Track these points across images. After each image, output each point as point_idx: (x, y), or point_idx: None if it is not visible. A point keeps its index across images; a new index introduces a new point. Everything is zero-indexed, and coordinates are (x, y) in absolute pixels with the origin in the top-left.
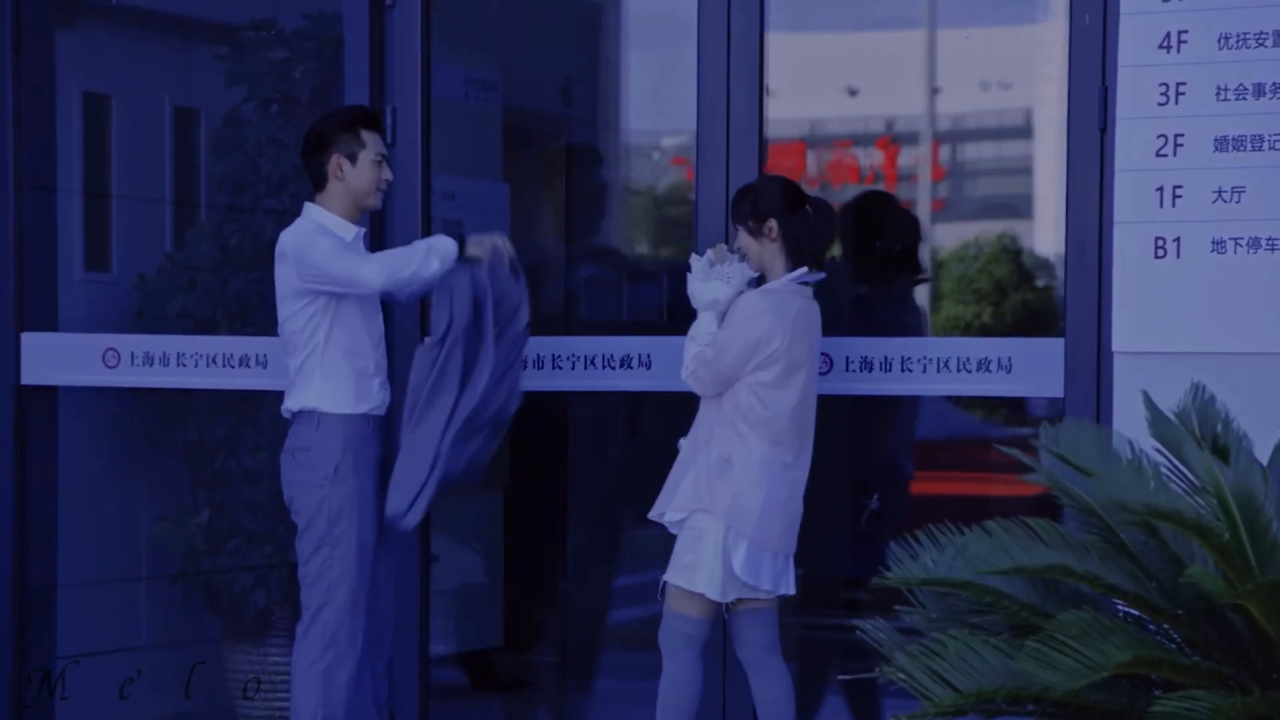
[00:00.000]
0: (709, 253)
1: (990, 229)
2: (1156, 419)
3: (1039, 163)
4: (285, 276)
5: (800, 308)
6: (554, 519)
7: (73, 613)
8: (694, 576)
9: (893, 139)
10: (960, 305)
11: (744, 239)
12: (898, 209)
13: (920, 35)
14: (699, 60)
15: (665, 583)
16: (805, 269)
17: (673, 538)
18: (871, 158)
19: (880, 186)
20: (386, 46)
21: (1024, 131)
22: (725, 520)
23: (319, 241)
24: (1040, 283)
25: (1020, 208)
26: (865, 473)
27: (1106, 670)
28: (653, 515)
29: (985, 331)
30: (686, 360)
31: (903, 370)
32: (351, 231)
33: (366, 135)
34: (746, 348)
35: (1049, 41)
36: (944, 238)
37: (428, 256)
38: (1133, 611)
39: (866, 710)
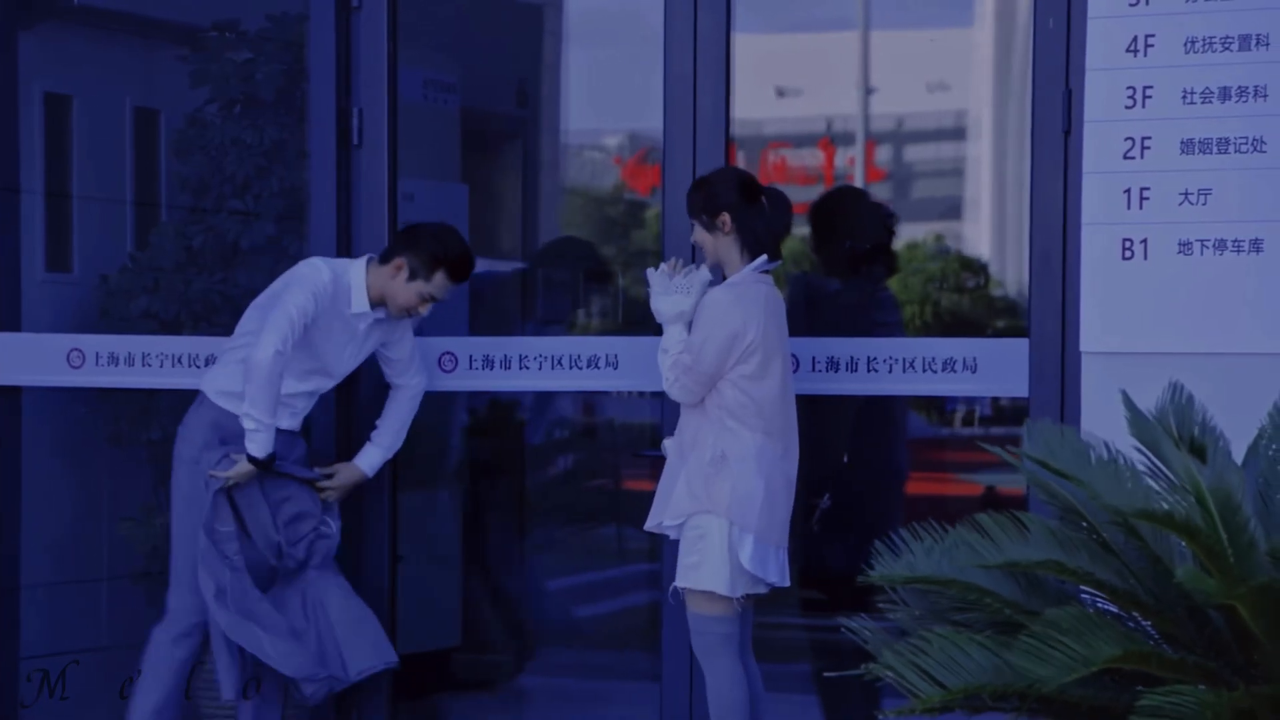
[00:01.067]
0: (663, 266)
1: (928, 230)
2: (1135, 419)
3: (976, 164)
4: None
5: (766, 295)
6: (512, 518)
7: (36, 614)
8: (700, 576)
9: (831, 140)
10: (905, 305)
11: (699, 233)
12: (869, 205)
13: (856, 36)
14: (665, 62)
15: (676, 589)
16: (764, 257)
17: (637, 538)
18: (814, 158)
19: (821, 187)
20: (353, 48)
21: (961, 133)
22: (728, 516)
23: (302, 294)
24: (974, 284)
25: (957, 209)
26: (861, 472)
27: (1096, 665)
28: (649, 526)
29: (925, 332)
30: (664, 373)
31: (868, 370)
32: (363, 308)
33: (439, 277)
34: (724, 344)
35: (984, 44)
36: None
37: (257, 416)
38: (1111, 608)
39: (842, 710)
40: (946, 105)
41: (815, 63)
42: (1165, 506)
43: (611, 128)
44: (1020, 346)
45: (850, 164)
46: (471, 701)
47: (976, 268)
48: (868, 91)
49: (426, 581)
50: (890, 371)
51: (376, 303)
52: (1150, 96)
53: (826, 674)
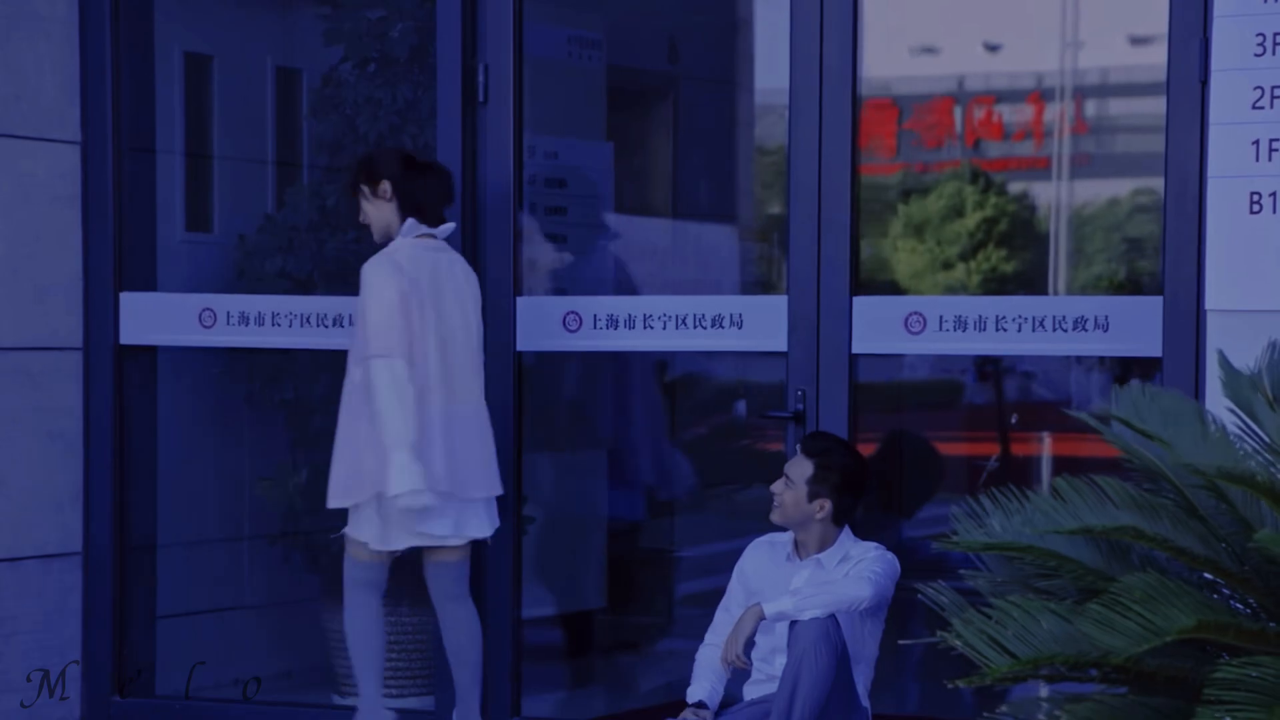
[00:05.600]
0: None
1: (1134, 185)
2: (1230, 378)
3: None
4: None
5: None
6: (657, 480)
7: (175, 571)
8: None
9: (1041, 94)
10: (1104, 262)
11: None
12: None
13: None
14: (791, 13)
15: None
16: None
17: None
18: (1019, 114)
19: (1030, 142)
20: (479, 4)
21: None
22: None
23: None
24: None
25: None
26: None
27: (1169, 635)
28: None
29: (1133, 288)
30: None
31: (997, 329)
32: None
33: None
34: None
35: None
36: (1086, 193)
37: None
38: (1207, 575)
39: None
40: (1152, 59)
41: (1019, 16)
42: (1248, 468)
43: (768, 85)
44: (1154, 304)
45: (1059, 118)
46: (617, 663)
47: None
48: (1075, 45)
49: (570, 544)
50: (1020, 331)
51: None
52: None
53: (901, 641)
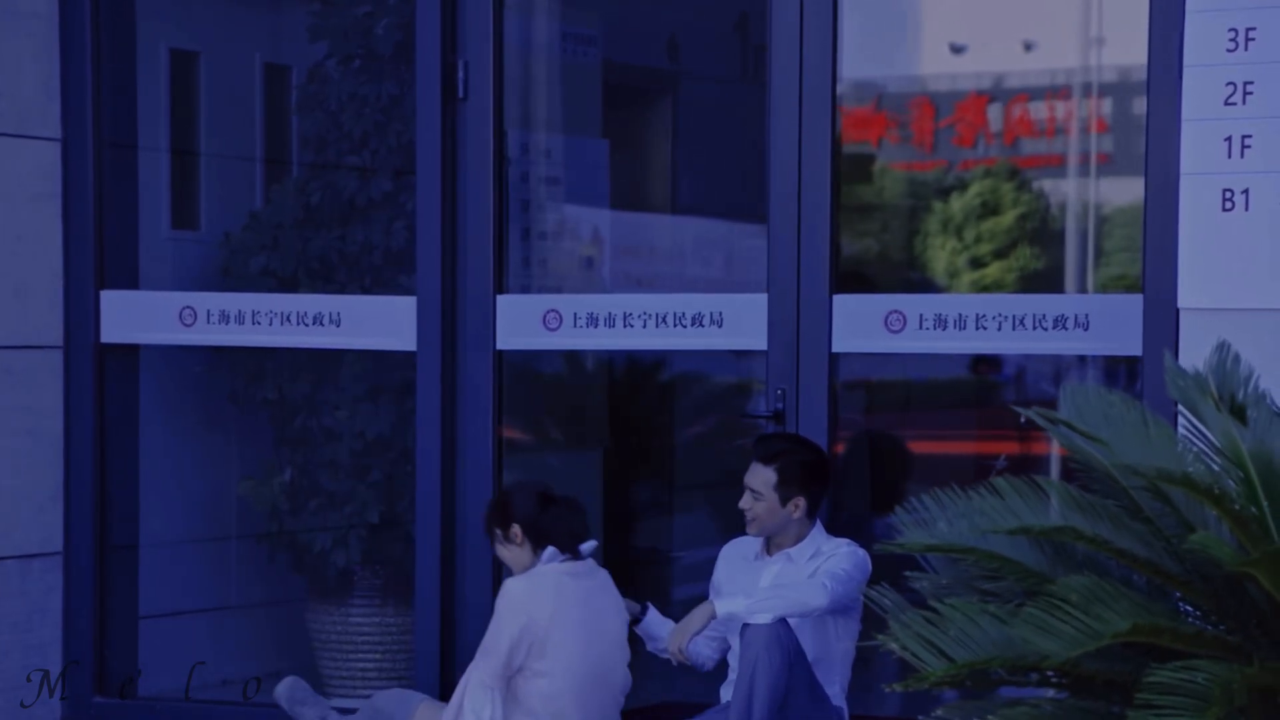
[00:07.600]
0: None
1: None
2: (1178, 379)
3: None
4: None
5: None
6: (653, 479)
7: (158, 572)
8: None
9: (1062, 93)
10: (1125, 263)
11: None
12: None
13: None
14: (770, 11)
15: None
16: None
17: None
18: (1055, 111)
19: (1051, 139)
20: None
21: None
22: None
23: None
24: None
25: None
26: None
27: (1105, 639)
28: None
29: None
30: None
31: (977, 328)
32: None
33: None
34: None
35: None
36: (1108, 193)
37: None
38: (1156, 578)
39: None
40: None
41: (1056, 15)
42: (1188, 470)
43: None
44: (1134, 303)
45: (1071, 118)
46: None
47: None
48: (1099, 42)
49: None
50: (1000, 329)
51: None
52: (1253, 39)
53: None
